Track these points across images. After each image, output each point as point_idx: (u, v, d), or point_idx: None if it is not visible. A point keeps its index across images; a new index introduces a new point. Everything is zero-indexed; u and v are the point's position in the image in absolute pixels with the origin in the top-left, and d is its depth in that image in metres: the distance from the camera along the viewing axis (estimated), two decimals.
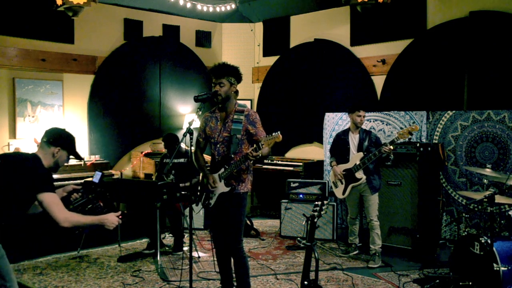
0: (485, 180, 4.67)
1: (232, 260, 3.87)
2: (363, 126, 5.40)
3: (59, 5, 5.60)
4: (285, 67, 8.07)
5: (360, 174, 5.19)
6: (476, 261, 4.00)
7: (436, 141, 5.86)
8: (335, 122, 6.65)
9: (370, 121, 6.21)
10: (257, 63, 8.53)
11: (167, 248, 5.75)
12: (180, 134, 7.23)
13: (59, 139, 3.00)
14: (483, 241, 3.95)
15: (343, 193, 5.36)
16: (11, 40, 6.21)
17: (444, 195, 5.76)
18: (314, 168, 7.13)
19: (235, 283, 3.91)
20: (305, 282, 3.57)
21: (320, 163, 7.02)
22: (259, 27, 8.49)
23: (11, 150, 6.05)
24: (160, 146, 7.36)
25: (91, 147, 6.93)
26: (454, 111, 5.79)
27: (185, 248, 5.64)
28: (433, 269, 4.85)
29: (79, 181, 3.41)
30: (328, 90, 7.45)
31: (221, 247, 3.89)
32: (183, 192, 5.42)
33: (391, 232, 5.66)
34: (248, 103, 8.24)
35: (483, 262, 3.89)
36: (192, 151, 3.74)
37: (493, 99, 5.71)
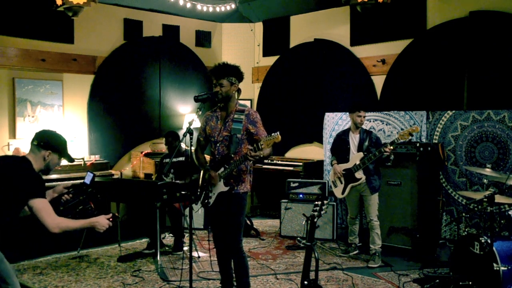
0: (485, 180, 4.67)
1: (232, 260, 3.87)
2: (363, 126, 5.40)
3: (59, 5, 5.60)
4: (285, 67, 8.07)
5: (359, 174, 5.19)
6: (476, 261, 4.00)
7: (436, 141, 5.86)
8: (335, 122, 6.65)
9: (370, 121, 6.21)
10: (257, 63, 8.53)
11: (167, 248, 5.75)
12: (180, 134, 7.23)
13: (49, 142, 2.96)
14: (483, 241, 3.95)
15: (342, 193, 5.36)
16: (11, 40, 6.21)
17: (444, 195, 5.76)
18: (314, 168, 7.13)
19: (235, 283, 3.91)
20: (305, 282, 3.57)
21: (320, 163, 7.02)
22: (259, 27, 8.49)
23: (11, 150, 6.05)
24: (160, 146, 7.36)
25: (91, 147, 6.93)
26: (454, 111, 5.79)
27: (185, 248, 5.64)
28: (433, 269, 4.85)
29: (71, 182, 3.40)
30: (328, 90, 7.45)
31: (221, 247, 3.89)
32: (183, 192, 5.42)
33: (391, 232, 5.66)
34: (248, 103, 8.23)
35: (483, 262, 3.89)
36: (193, 150, 3.74)
37: (493, 99, 5.71)
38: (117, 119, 7.24)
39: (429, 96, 6.28)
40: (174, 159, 5.75)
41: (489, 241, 3.86)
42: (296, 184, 6.33)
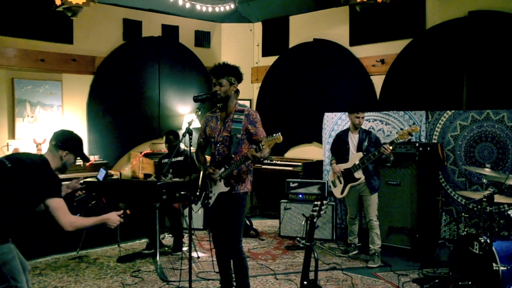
0: (484, 180, 4.67)
1: (231, 260, 3.87)
2: (363, 126, 5.40)
3: (58, 5, 5.60)
4: (284, 67, 8.07)
5: (359, 174, 5.19)
6: (475, 260, 4.00)
7: (435, 141, 5.86)
8: (334, 122, 6.65)
9: (370, 121, 6.21)
10: (256, 63, 8.53)
11: (166, 249, 5.75)
12: (179, 134, 7.23)
13: (67, 142, 3.06)
14: (482, 240, 3.95)
15: (342, 193, 5.36)
16: (10, 40, 6.21)
17: (443, 195, 5.76)
18: (313, 168, 7.13)
19: (234, 284, 3.91)
20: (305, 282, 3.57)
21: (319, 163, 7.03)
22: (258, 27, 8.49)
23: (10, 150, 6.05)
24: (160, 146, 7.36)
25: (90, 147, 6.92)
26: (453, 111, 5.80)
27: (185, 248, 5.64)
28: (432, 269, 4.85)
29: (82, 179, 3.48)
30: (327, 90, 7.45)
31: (221, 247, 3.88)
32: (182, 192, 5.42)
33: (390, 232, 5.66)
34: (247, 103, 8.24)
35: (482, 261, 3.89)
36: (192, 151, 3.74)
37: (492, 98, 5.71)
38: (116, 119, 7.23)
39: (429, 96, 6.28)
40: (173, 159, 5.74)
41: (488, 241, 3.86)
42: (296, 184, 6.33)
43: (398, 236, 5.62)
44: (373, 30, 6.91)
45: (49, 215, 2.83)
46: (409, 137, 4.90)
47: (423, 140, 5.82)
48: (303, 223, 5.91)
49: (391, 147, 4.90)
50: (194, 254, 5.44)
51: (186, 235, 5.74)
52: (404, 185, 5.59)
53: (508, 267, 3.76)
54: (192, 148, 3.69)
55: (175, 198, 5.32)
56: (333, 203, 6.07)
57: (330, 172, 5.56)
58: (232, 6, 7.92)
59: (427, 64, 6.32)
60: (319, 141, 7.23)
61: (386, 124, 6.14)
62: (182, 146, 6.09)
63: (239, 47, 8.58)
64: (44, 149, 5.31)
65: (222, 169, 3.70)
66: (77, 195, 3.41)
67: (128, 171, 7.29)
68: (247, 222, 6.38)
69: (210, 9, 7.78)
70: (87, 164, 6.40)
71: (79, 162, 6.28)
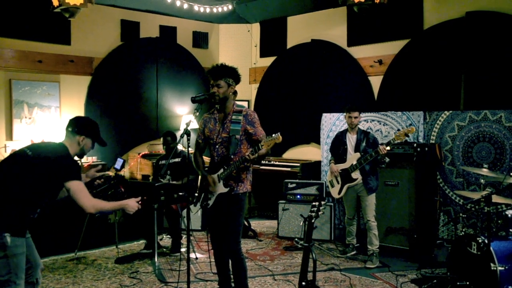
0: (482, 180, 4.67)
1: (230, 261, 3.86)
2: (360, 127, 5.41)
3: (55, 6, 5.59)
4: (282, 68, 8.08)
5: (356, 175, 5.19)
6: (473, 261, 4.01)
7: (433, 141, 5.87)
8: (332, 122, 6.65)
9: (367, 122, 6.22)
10: (254, 64, 8.54)
11: (164, 250, 5.74)
12: (177, 135, 7.22)
13: (83, 127, 3.16)
14: (480, 241, 3.96)
15: (339, 193, 5.37)
16: (7, 42, 6.20)
17: (441, 195, 5.77)
18: (311, 169, 7.13)
19: (233, 284, 3.91)
20: (303, 283, 3.57)
21: (317, 163, 7.03)
22: (256, 28, 8.50)
23: (8, 152, 6.03)
24: (158, 147, 7.35)
25: None
26: (451, 111, 5.80)
27: (183, 249, 5.63)
28: (430, 269, 4.85)
29: (100, 167, 3.58)
30: (325, 90, 7.46)
31: (219, 248, 3.88)
32: (180, 193, 5.41)
33: (388, 233, 5.67)
34: (245, 104, 8.23)
35: (480, 262, 3.90)
36: (190, 152, 3.74)
37: (490, 99, 5.73)
38: (114, 120, 7.22)
39: (426, 96, 6.29)
40: (171, 161, 5.73)
41: (486, 241, 3.87)
42: (294, 185, 6.33)
43: (396, 237, 5.62)
44: (371, 30, 6.91)
45: (71, 199, 2.94)
46: (406, 138, 4.90)
47: (421, 140, 5.83)
48: (301, 224, 5.92)
49: (387, 148, 4.91)
50: (192, 255, 5.43)
51: (184, 236, 5.73)
52: (402, 185, 5.59)
53: (506, 267, 3.77)
54: (190, 149, 3.69)
55: (173, 199, 5.31)
56: (331, 204, 6.08)
57: (328, 172, 5.57)
58: (230, 7, 7.92)
59: (424, 65, 6.33)
60: (317, 141, 7.23)
61: (384, 125, 6.14)
62: (180, 147, 6.08)
63: (237, 48, 8.58)
64: None
65: (221, 170, 3.70)
66: (96, 183, 3.47)
67: (126, 172, 7.28)
68: (246, 223, 6.38)
69: (208, 10, 7.78)
70: (85, 165, 6.40)
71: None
